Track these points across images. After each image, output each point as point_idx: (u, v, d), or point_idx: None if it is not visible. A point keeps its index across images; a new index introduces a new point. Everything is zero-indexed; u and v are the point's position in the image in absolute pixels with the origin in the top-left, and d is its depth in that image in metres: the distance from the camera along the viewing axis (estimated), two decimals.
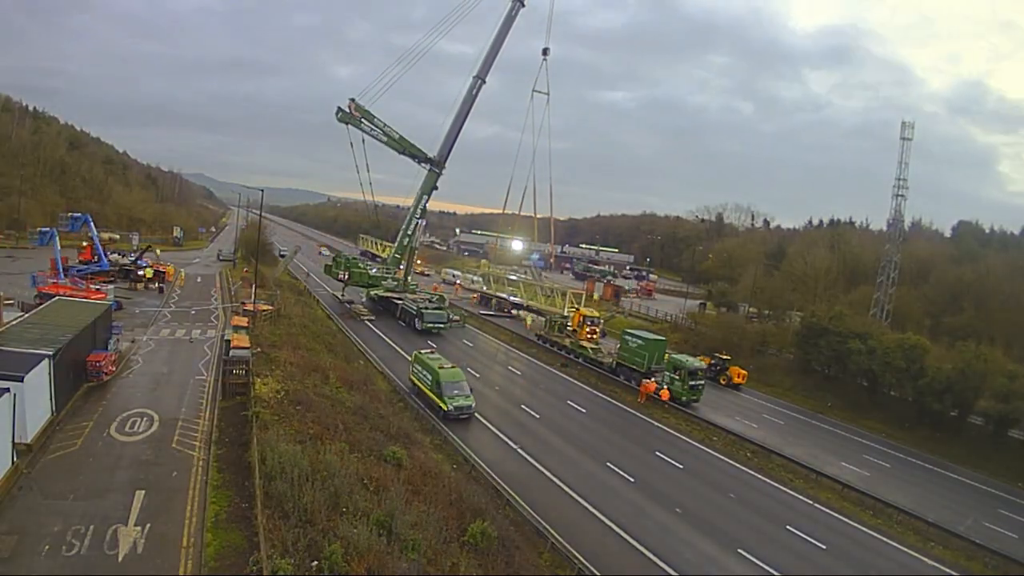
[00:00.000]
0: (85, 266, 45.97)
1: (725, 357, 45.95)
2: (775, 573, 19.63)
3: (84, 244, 49.15)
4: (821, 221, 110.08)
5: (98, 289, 39.58)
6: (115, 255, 52.03)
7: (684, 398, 36.74)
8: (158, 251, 57.56)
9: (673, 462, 28.06)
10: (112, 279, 46.98)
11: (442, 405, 29.42)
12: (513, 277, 69.86)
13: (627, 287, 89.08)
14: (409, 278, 57.56)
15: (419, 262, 75.09)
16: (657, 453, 28.96)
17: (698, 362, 39.03)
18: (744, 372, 45.30)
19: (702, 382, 37.88)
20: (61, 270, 41.55)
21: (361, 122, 50.23)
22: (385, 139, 51.39)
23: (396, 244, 57.28)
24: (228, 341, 29.08)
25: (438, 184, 53.87)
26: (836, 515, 24.84)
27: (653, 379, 38.07)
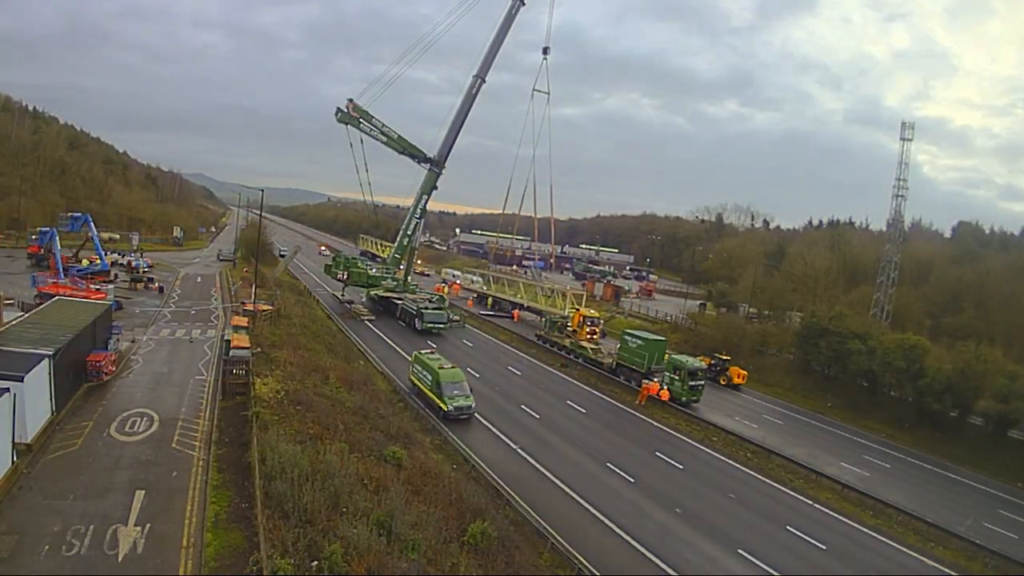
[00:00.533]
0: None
1: (725, 357, 45.94)
2: (775, 573, 19.63)
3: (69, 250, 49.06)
4: (821, 221, 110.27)
5: (98, 289, 39.62)
6: (114, 255, 52.20)
7: (684, 398, 36.73)
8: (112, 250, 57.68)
9: (673, 462, 28.07)
10: (112, 279, 47.11)
11: (442, 405, 29.41)
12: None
13: (627, 287, 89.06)
14: (409, 278, 57.55)
15: (419, 262, 75.09)
16: (657, 453, 28.96)
17: (698, 362, 39.01)
18: (744, 372, 45.29)
19: (702, 382, 37.87)
20: (61, 270, 41.59)
21: (360, 122, 50.23)
22: (384, 139, 51.39)
23: (396, 244, 57.25)
24: (228, 341, 29.09)
25: (438, 184, 53.88)
26: (836, 515, 24.84)
27: (654, 379, 38.07)
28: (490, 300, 66.04)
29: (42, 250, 48.63)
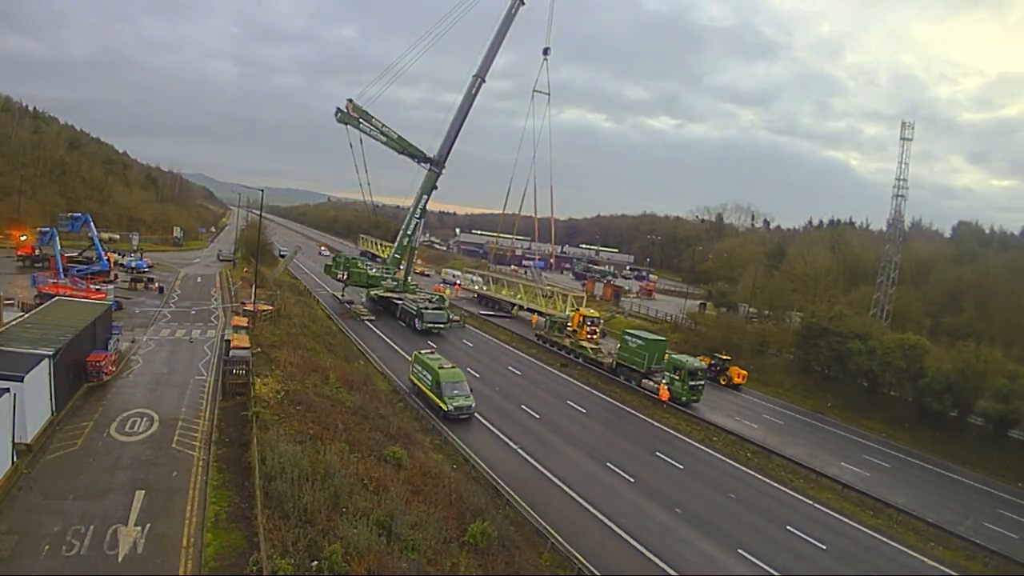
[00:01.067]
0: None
1: (725, 357, 45.93)
2: (775, 573, 19.63)
3: (23, 238, 50.64)
4: (821, 221, 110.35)
5: (98, 289, 39.62)
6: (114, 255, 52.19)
7: (684, 398, 36.71)
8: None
9: (673, 462, 28.07)
10: (112, 279, 47.14)
11: (442, 405, 29.41)
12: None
13: (627, 287, 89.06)
14: (409, 278, 57.54)
15: (419, 262, 75.03)
16: (657, 453, 28.97)
17: (698, 362, 38.99)
18: (744, 372, 45.28)
19: (702, 382, 37.85)
20: (61, 270, 41.60)
21: (360, 122, 50.18)
22: (384, 139, 51.34)
23: (396, 244, 57.23)
24: (228, 341, 29.09)
25: (438, 184, 53.86)
26: (836, 515, 24.85)
27: (660, 381, 37.88)
28: (535, 318, 56.91)
29: (36, 250, 48.52)
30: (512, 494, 21.96)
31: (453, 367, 31.26)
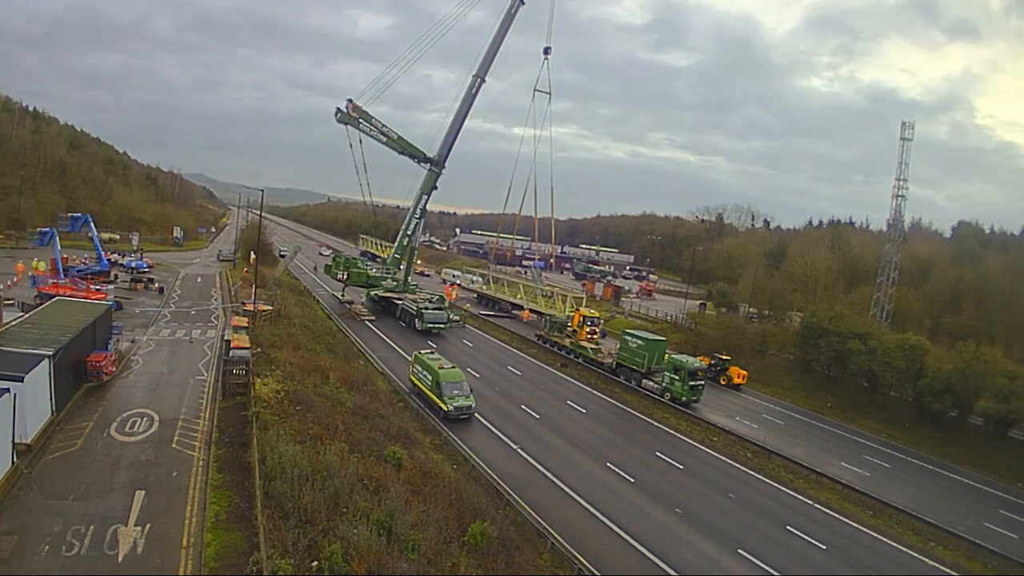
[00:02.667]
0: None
1: (725, 357, 45.92)
2: (775, 573, 19.63)
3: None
4: (821, 221, 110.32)
5: (98, 289, 39.64)
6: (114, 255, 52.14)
7: (684, 398, 36.70)
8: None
9: (673, 462, 28.06)
10: (112, 280, 47.17)
11: (442, 405, 29.41)
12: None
13: (627, 287, 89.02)
14: (409, 278, 57.54)
15: (419, 262, 75.00)
16: (657, 453, 28.96)
17: (698, 362, 38.97)
18: (744, 372, 45.28)
19: (702, 382, 37.84)
20: (61, 270, 41.63)
21: (359, 123, 50.21)
22: (384, 139, 51.36)
23: (396, 244, 57.23)
24: (228, 341, 29.09)
25: (438, 184, 53.87)
26: (836, 515, 24.85)
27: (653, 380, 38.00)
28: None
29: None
30: (512, 494, 21.96)
31: (453, 367, 31.26)
